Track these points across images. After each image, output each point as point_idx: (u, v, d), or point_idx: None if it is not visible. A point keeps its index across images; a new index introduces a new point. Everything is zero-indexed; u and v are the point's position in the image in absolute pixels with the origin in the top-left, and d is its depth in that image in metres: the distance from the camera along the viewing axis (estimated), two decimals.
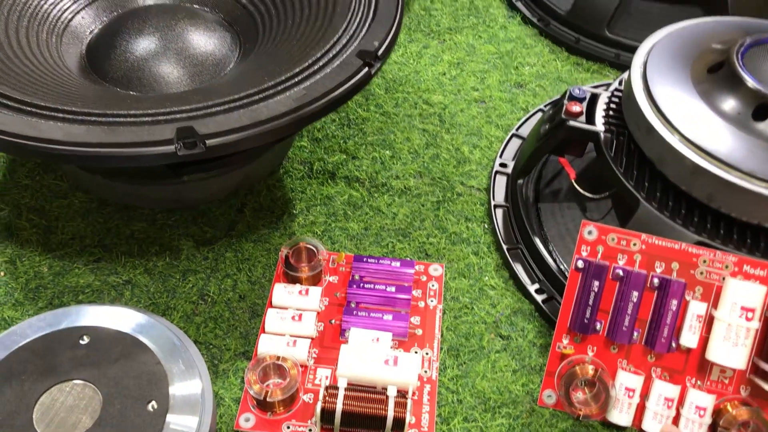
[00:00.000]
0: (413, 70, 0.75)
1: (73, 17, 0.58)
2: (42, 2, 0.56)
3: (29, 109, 0.43)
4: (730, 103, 0.49)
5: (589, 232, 0.47)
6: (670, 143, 0.48)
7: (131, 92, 0.54)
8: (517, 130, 0.67)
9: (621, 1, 0.75)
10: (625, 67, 0.75)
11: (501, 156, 0.65)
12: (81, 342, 0.43)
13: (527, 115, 0.69)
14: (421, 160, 0.65)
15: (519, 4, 0.82)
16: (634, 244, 0.46)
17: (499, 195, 0.61)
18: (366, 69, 0.48)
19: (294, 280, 0.53)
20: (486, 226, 0.60)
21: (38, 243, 0.56)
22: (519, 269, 0.56)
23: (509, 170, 0.63)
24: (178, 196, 0.57)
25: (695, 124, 0.48)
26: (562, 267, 0.55)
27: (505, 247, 0.57)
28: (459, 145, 0.67)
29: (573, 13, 0.77)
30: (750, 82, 0.48)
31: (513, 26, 0.80)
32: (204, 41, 0.57)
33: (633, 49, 0.75)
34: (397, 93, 0.72)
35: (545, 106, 0.70)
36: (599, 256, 0.47)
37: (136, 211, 0.59)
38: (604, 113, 0.55)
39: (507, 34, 0.79)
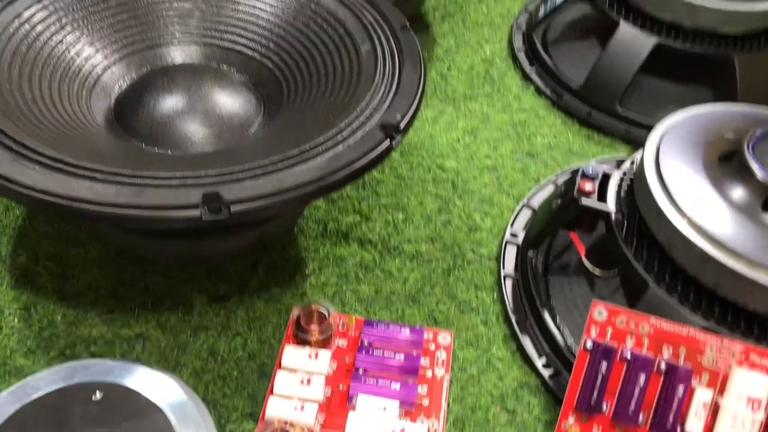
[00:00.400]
0: (428, 135, 0.76)
1: (103, 72, 0.59)
2: (76, 57, 0.58)
3: (60, 166, 0.44)
4: (740, 193, 0.50)
5: (599, 313, 0.47)
6: (680, 229, 0.49)
7: (156, 149, 0.55)
8: (528, 200, 0.68)
9: (633, 79, 0.77)
10: (636, 142, 0.77)
11: (512, 226, 0.66)
12: (93, 398, 0.44)
13: (538, 186, 0.70)
14: (433, 226, 0.66)
15: (533, 76, 0.84)
16: (643, 327, 0.47)
17: (509, 265, 0.62)
18: (387, 141, 0.50)
19: (304, 343, 0.53)
20: (495, 295, 0.60)
21: (54, 291, 0.57)
22: (526, 342, 0.56)
23: (519, 240, 0.64)
24: (195, 252, 0.58)
25: (705, 212, 0.49)
26: (569, 342, 0.56)
27: (513, 318, 0.58)
28: (471, 212, 0.68)
29: (586, 87, 0.79)
30: (760, 174, 0.49)
31: (527, 96, 0.82)
32: (230, 102, 0.59)
33: (644, 126, 0.77)
34: (412, 157, 0.73)
35: (556, 177, 0.71)
36: (608, 337, 0.47)
37: (152, 263, 0.59)
38: (615, 193, 0.57)
39: (521, 104, 0.81)
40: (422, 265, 0.62)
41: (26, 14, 0.57)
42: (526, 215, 0.67)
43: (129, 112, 0.57)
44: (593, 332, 0.47)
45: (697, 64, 0.78)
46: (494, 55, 0.88)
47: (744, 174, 0.50)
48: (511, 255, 0.63)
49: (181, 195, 0.43)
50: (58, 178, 0.43)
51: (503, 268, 0.62)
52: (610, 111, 0.78)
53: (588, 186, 0.57)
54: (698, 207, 0.50)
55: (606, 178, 0.58)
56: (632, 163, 0.60)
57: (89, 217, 0.42)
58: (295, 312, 0.54)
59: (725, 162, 0.52)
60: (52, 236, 0.61)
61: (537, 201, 0.68)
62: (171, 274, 0.59)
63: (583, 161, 0.75)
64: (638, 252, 0.53)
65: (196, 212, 0.43)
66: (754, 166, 0.50)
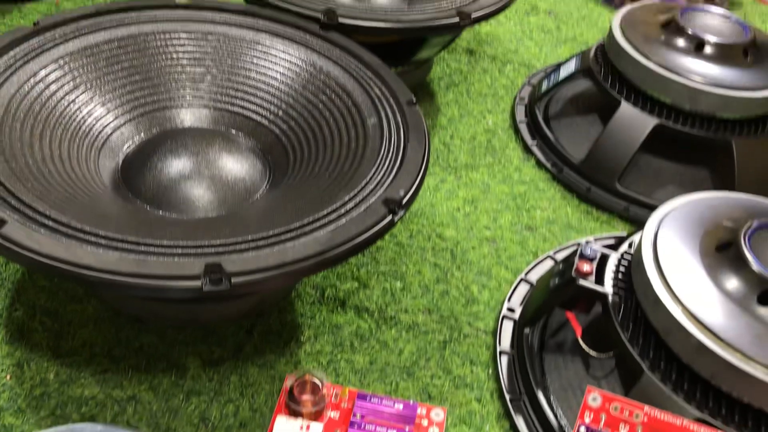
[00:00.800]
0: (429, 203, 0.77)
1: (113, 132, 0.60)
2: (87, 116, 0.59)
3: (65, 230, 0.45)
4: (736, 285, 0.50)
5: (594, 399, 0.47)
6: (676, 317, 0.50)
7: (161, 212, 0.55)
8: (526, 275, 0.69)
9: (633, 157, 0.78)
10: (634, 220, 0.78)
11: (509, 300, 0.66)
12: None
13: (536, 261, 0.71)
14: (430, 296, 0.66)
15: (534, 148, 0.86)
16: (637, 416, 0.47)
17: (505, 341, 0.62)
18: (390, 216, 0.50)
19: (296, 414, 0.53)
20: (490, 371, 0.60)
21: (48, 347, 0.57)
22: (520, 422, 0.56)
23: (516, 316, 0.64)
24: (192, 315, 0.58)
25: (702, 302, 0.50)
26: (563, 423, 0.55)
27: (507, 396, 0.58)
28: (469, 284, 0.68)
29: (586, 163, 0.81)
30: (756, 266, 0.50)
31: (527, 169, 0.84)
32: (237, 167, 0.60)
33: (643, 204, 0.78)
34: (412, 224, 0.74)
35: (554, 252, 0.72)
36: (602, 423, 0.47)
37: (148, 323, 0.59)
38: (613, 275, 0.57)
39: (521, 176, 0.82)
40: (418, 336, 0.62)
41: (42, 73, 0.58)
42: (523, 290, 0.67)
43: (136, 173, 0.58)
44: (587, 418, 0.47)
45: (696, 146, 0.80)
46: (497, 126, 0.89)
47: (740, 266, 0.51)
48: (507, 330, 0.63)
49: (184, 265, 0.44)
50: (63, 243, 0.44)
51: (499, 344, 0.62)
52: (609, 188, 0.79)
53: (586, 267, 0.57)
54: (695, 296, 0.50)
55: (604, 258, 0.59)
56: (630, 244, 0.61)
57: (92, 284, 0.43)
58: (289, 381, 0.54)
59: (722, 252, 0.53)
60: (50, 291, 0.61)
61: (535, 276, 0.69)
62: (166, 335, 0.59)
63: (581, 237, 0.75)
64: (634, 337, 0.53)
65: (197, 283, 0.43)
66: (751, 259, 0.50)
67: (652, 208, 0.77)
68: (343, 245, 0.47)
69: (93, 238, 0.45)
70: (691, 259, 0.53)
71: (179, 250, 0.45)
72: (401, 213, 0.52)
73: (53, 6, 0.98)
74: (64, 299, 0.60)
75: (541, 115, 0.89)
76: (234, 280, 0.44)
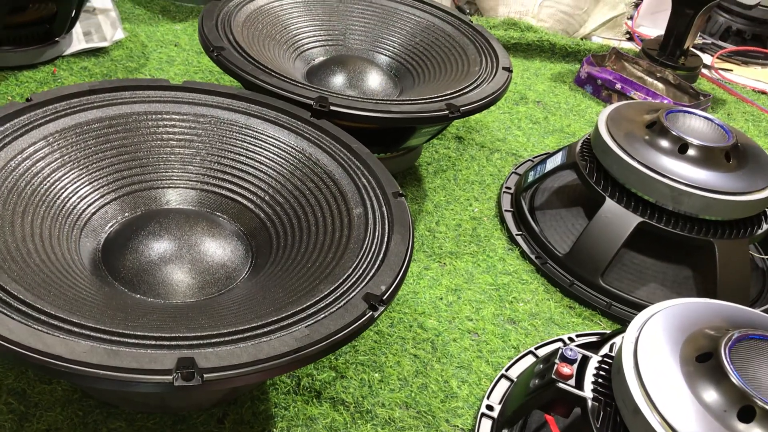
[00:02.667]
0: (412, 291, 0.77)
1: (96, 212, 0.60)
2: (71, 195, 0.59)
3: (37, 315, 0.44)
4: (716, 398, 0.50)
5: None
6: (656, 429, 0.49)
7: (139, 295, 0.55)
8: (507, 370, 0.68)
9: (616, 253, 0.79)
10: (616, 317, 0.78)
11: (488, 397, 0.65)
12: None
13: (518, 356, 0.70)
14: (409, 389, 0.65)
15: (519, 239, 0.86)
16: None
17: None
18: (370, 313, 0.50)
19: None
20: None
21: (11, 431, 0.55)
22: None
23: (495, 414, 0.63)
24: (162, 402, 0.56)
25: (682, 415, 0.49)
26: None
27: None
28: (448, 378, 0.67)
29: (570, 257, 0.81)
30: (736, 381, 0.49)
31: (511, 259, 0.84)
32: (219, 252, 0.59)
33: (625, 301, 0.78)
34: (394, 312, 0.73)
35: (536, 348, 0.71)
36: None
37: (117, 407, 0.58)
38: (593, 378, 0.56)
39: (505, 266, 0.82)
40: None
41: (30, 150, 0.58)
42: (503, 386, 0.66)
43: (117, 254, 0.58)
44: None
45: (679, 245, 0.80)
46: (482, 214, 0.90)
47: (720, 379, 0.50)
48: (485, 430, 0.62)
49: (156, 359, 0.43)
50: (34, 332, 0.43)
51: None
52: (592, 284, 0.79)
53: (566, 370, 0.56)
54: (675, 410, 0.49)
55: (585, 360, 0.58)
56: (611, 346, 0.60)
57: (61, 375, 0.42)
58: None
59: (702, 363, 0.52)
60: (19, 370, 0.59)
61: (515, 371, 0.68)
62: (135, 421, 0.57)
63: (563, 332, 0.75)
64: None
65: (168, 378, 0.42)
66: (730, 372, 0.50)
67: (634, 305, 0.78)
68: (320, 343, 0.47)
69: (66, 326, 0.44)
70: (672, 367, 0.52)
71: (152, 342, 0.44)
72: (382, 309, 0.51)
73: (50, 75, 0.99)
74: (32, 380, 0.59)
75: (526, 206, 0.90)
76: (206, 376, 0.43)
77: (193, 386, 0.42)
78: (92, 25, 1.10)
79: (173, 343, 0.44)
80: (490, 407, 0.64)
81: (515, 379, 0.67)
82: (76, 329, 0.44)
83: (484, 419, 0.63)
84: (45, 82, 0.98)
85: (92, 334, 0.44)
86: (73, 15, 1.00)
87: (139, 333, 0.44)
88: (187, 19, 1.22)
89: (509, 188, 0.95)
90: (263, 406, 0.61)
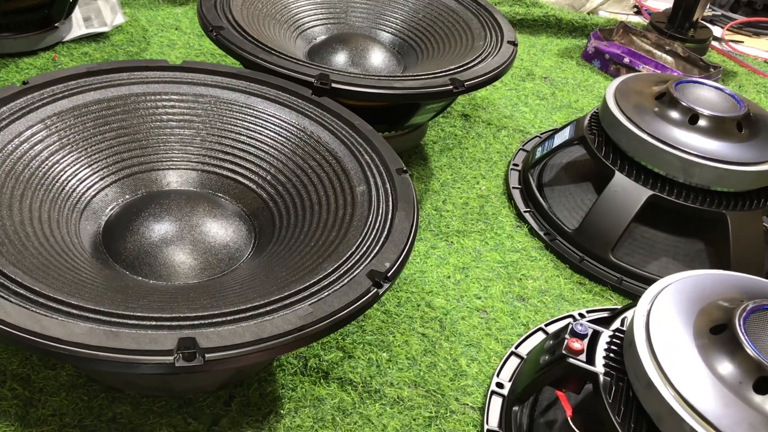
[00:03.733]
0: (419, 270, 0.76)
1: (96, 194, 0.59)
2: (71, 178, 0.58)
3: (35, 297, 0.43)
4: (731, 370, 0.49)
5: None
6: (670, 403, 0.48)
7: (140, 278, 0.54)
8: (517, 348, 0.67)
9: (626, 228, 0.77)
10: (627, 292, 0.76)
11: (498, 375, 0.64)
12: None
13: (527, 333, 0.69)
14: (417, 368, 0.64)
15: (527, 216, 0.85)
16: None
17: (493, 419, 0.60)
18: (374, 290, 0.49)
19: None
20: None
21: (16, 417, 0.54)
22: None
23: (505, 391, 0.62)
24: (167, 385, 0.56)
25: (696, 388, 0.48)
26: None
27: None
28: (457, 356, 0.66)
29: (579, 233, 0.80)
30: (752, 352, 0.48)
31: (520, 236, 0.83)
32: (221, 233, 0.58)
33: (636, 276, 0.77)
34: (401, 292, 0.72)
35: (546, 325, 0.70)
36: None
37: (122, 392, 0.57)
38: (605, 353, 0.55)
39: (513, 243, 0.81)
40: (403, 411, 0.60)
41: (27, 133, 0.57)
42: (513, 364, 0.65)
43: (117, 237, 0.57)
44: None
45: (691, 218, 0.79)
46: (490, 192, 0.89)
47: (735, 350, 0.49)
48: (495, 407, 0.61)
49: (157, 339, 0.42)
50: (32, 314, 0.42)
51: (487, 422, 0.59)
52: (602, 259, 0.78)
53: (576, 345, 0.55)
54: (689, 383, 0.48)
55: (596, 335, 0.57)
56: (623, 321, 0.59)
57: (59, 357, 0.41)
58: None
59: (716, 334, 0.51)
60: (23, 356, 0.59)
61: (525, 349, 0.67)
62: (141, 404, 0.57)
63: (574, 308, 0.74)
64: (625, 421, 0.51)
65: (169, 358, 0.41)
66: (746, 343, 0.49)
67: (645, 280, 0.76)
68: (323, 321, 0.46)
69: (64, 308, 0.43)
70: (685, 340, 0.51)
71: (153, 323, 0.43)
72: (386, 286, 0.50)
73: (51, 61, 0.98)
74: (37, 365, 0.58)
75: (534, 182, 0.88)
76: (208, 356, 0.42)
77: (194, 366, 0.42)
78: (92, 10, 1.09)
79: (174, 323, 0.44)
80: (500, 385, 0.63)
81: (525, 357, 0.66)
82: (75, 311, 0.43)
83: (494, 397, 0.62)
84: (45, 68, 0.97)
85: (91, 315, 0.43)
86: (71, 0, 0.99)
87: (139, 314, 0.44)
88: (187, 3, 1.21)
89: (517, 165, 0.93)
90: (270, 388, 0.60)
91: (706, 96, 0.81)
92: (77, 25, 1.05)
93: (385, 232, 0.54)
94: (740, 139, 0.77)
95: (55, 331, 0.41)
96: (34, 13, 0.97)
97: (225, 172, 0.64)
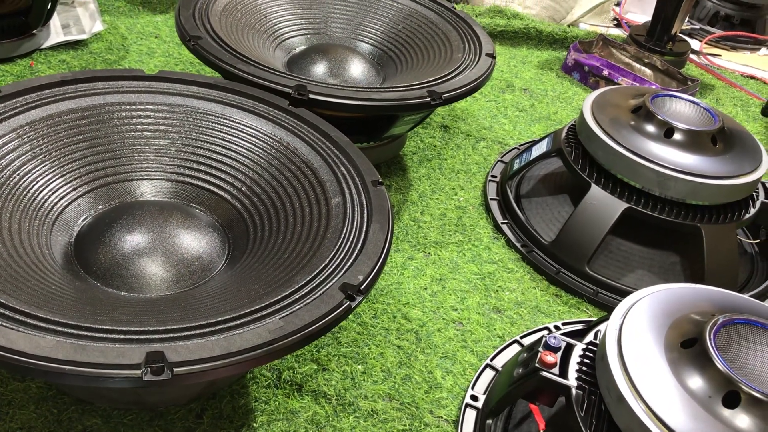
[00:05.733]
0: (396, 281, 0.76)
1: (68, 205, 0.59)
2: (42, 188, 0.58)
3: (2, 310, 0.43)
4: (701, 384, 0.49)
5: None
6: (640, 418, 0.48)
7: (111, 290, 0.54)
8: (492, 360, 0.67)
9: (602, 240, 0.78)
10: (603, 305, 0.77)
11: (473, 387, 0.64)
12: None
13: (503, 345, 0.69)
14: (392, 381, 0.64)
15: (505, 227, 0.85)
16: None
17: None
18: (347, 303, 0.49)
19: None
20: None
21: None
22: None
23: (480, 404, 0.62)
24: (138, 398, 0.55)
25: (667, 402, 0.48)
26: None
27: None
28: (432, 369, 0.66)
29: (556, 245, 0.80)
30: (722, 366, 0.48)
31: (497, 248, 0.83)
32: (194, 244, 0.58)
33: (612, 288, 0.77)
34: (377, 303, 0.72)
35: (521, 338, 0.70)
36: None
37: (92, 404, 0.57)
38: (577, 367, 0.55)
39: (490, 255, 0.81)
40: (377, 425, 0.60)
41: None
42: (488, 376, 0.65)
43: (89, 248, 0.56)
44: None
45: (666, 231, 0.79)
46: (468, 203, 0.89)
47: (705, 364, 0.49)
48: (469, 420, 0.61)
49: (125, 353, 0.41)
50: None
51: None
52: (578, 271, 0.78)
53: (550, 358, 0.55)
54: (660, 397, 0.48)
55: (569, 348, 0.57)
56: (596, 334, 0.59)
57: (25, 371, 0.40)
58: None
59: (687, 348, 0.51)
60: None
61: (500, 361, 0.67)
62: (111, 417, 0.56)
63: (549, 321, 0.74)
64: None
65: (136, 372, 0.41)
66: (715, 357, 0.49)
67: (621, 292, 0.77)
68: (293, 335, 0.45)
69: (32, 321, 0.43)
70: (656, 354, 0.51)
71: (121, 336, 0.43)
72: (359, 300, 0.50)
73: (27, 68, 0.97)
74: (5, 377, 0.58)
75: (512, 194, 0.89)
76: (176, 370, 0.42)
77: (162, 381, 0.41)
78: (71, 17, 1.08)
79: (143, 336, 0.43)
80: (474, 397, 0.63)
81: (500, 369, 0.66)
82: (41, 324, 0.43)
83: (468, 410, 0.62)
84: (22, 75, 0.96)
85: (58, 329, 0.42)
86: (49, 7, 0.98)
87: (107, 327, 0.43)
88: (167, 11, 1.20)
89: (495, 177, 0.93)
90: (243, 401, 0.60)
91: (681, 110, 0.82)
92: (55, 33, 1.04)
93: (360, 245, 0.54)
94: (715, 153, 0.78)
95: (20, 345, 0.41)
96: (11, 20, 0.97)
97: (200, 183, 0.64)
